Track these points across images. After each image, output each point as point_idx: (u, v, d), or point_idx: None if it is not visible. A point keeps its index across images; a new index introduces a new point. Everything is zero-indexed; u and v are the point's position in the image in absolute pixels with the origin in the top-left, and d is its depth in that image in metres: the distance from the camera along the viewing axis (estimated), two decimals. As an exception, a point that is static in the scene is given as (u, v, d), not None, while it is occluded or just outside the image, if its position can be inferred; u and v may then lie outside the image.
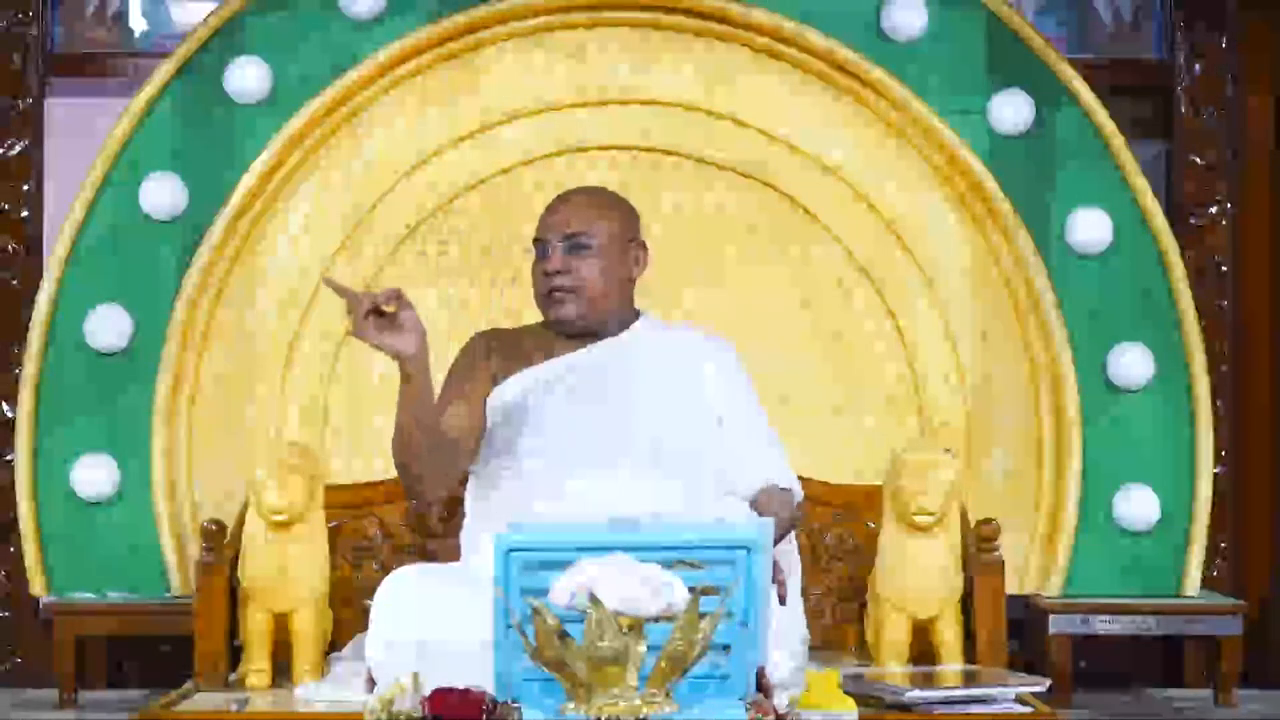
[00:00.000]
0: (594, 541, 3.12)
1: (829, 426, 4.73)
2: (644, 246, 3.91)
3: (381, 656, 3.55)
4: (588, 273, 3.80)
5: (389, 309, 3.40)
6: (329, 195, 4.75)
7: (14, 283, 5.01)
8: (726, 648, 3.11)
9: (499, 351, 3.89)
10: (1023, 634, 4.67)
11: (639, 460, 3.75)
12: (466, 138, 4.76)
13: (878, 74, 4.72)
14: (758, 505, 3.74)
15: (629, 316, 3.92)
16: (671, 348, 3.92)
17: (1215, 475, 4.75)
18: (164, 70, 4.73)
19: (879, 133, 4.77)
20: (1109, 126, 4.74)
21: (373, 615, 3.61)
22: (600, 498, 3.63)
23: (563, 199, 3.90)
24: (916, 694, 3.59)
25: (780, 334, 4.75)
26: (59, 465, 4.67)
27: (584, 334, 3.86)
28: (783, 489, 3.84)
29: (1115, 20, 5.19)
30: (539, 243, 3.85)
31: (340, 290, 3.40)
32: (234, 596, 4.00)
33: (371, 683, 3.58)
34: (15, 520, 4.68)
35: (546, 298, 3.83)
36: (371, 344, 3.41)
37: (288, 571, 3.95)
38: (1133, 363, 4.72)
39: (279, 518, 3.91)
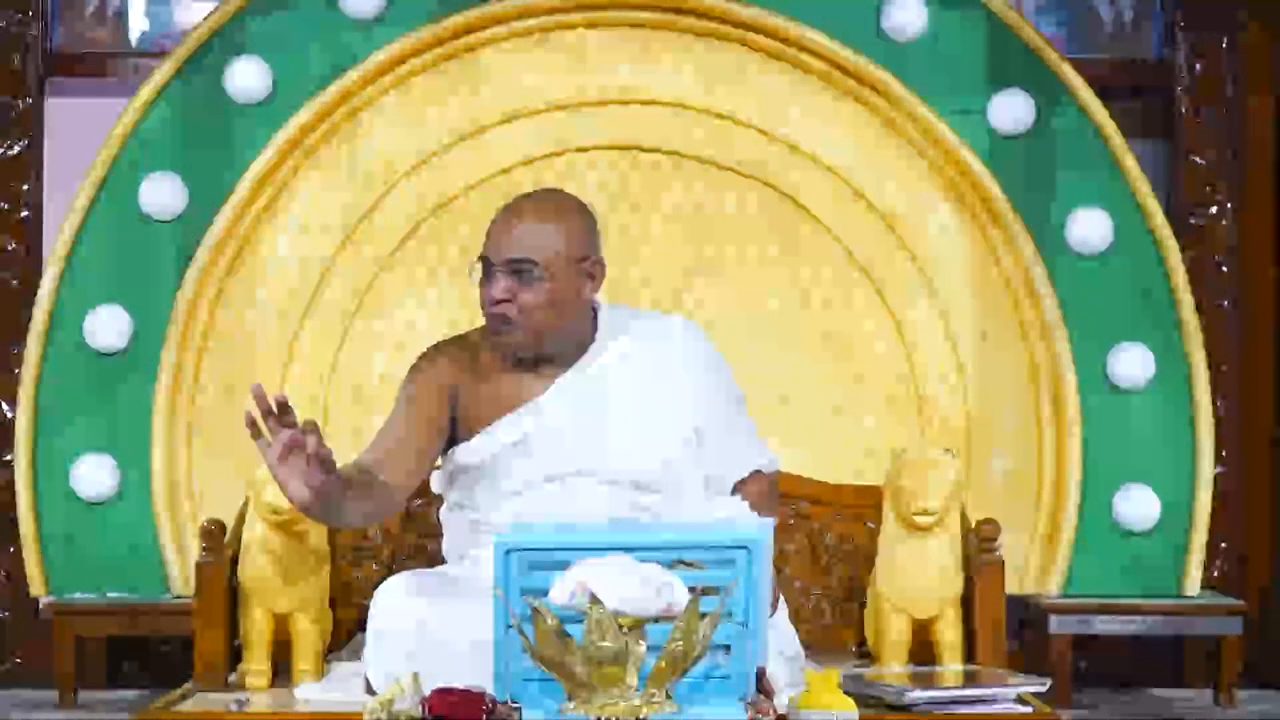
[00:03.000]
0: (594, 541, 3.12)
1: (829, 426, 4.73)
2: (599, 264, 3.65)
3: (379, 668, 3.51)
4: (532, 302, 3.58)
5: (304, 445, 3.20)
6: (329, 195, 4.75)
7: (14, 283, 5.01)
8: (726, 648, 3.11)
9: (454, 370, 3.71)
10: (1023, 634, 4.67)
11: (617, 487, 3.67)
12: (466, 138, 4.76)
13: (878, 74, 4.72)
14: (748, 499, 3.72)
15: (586, 329, 3.70)
16: (636, 361, 3.71)
17: (1215, 475, 4.75)
18: (164, 70, 4.73)
19: (879, 133, 4.77)
20: (1109, 126, 4.74)
21: (369, 627, 3.56)
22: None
23: (509, 214, 3.64)
24: (916, 694, 3.59)
25: (780, 334, 4.75)
26: (59, 465, 4.67)
27: (535, 359, 3.67)
28: (766, 476, 3.80)
29: (1115, 20, 5.19)
30: (484, 260, 3.62)
31: (268, 406, 3.19)
32: (234, 596, 4.00)
33: (370, 689, 3.57)
34: (15, 520, 4.68)
35: (491, 321, 3.63)
36: (269, 468, 3.25)
37: (288, 571, 3.95)
38: (1133, 363, 4.72)
39: (279, 518, 3.91)
